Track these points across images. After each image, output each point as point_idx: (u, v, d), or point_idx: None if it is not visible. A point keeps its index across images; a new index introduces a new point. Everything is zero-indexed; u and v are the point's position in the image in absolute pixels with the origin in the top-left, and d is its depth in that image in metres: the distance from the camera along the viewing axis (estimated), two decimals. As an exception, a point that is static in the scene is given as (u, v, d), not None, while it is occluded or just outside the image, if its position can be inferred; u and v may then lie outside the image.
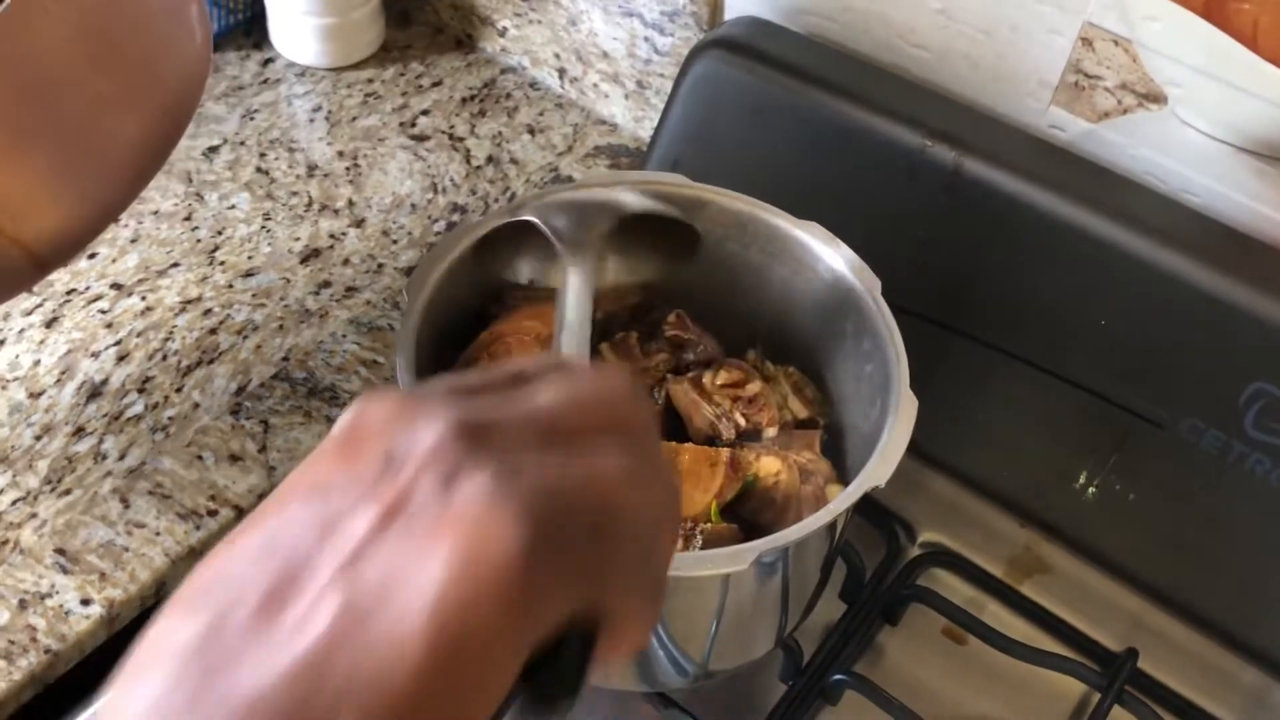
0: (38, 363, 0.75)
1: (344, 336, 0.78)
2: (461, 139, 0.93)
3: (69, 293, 0.80)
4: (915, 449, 0.77)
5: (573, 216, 0.58)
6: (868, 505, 0.75)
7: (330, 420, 0.73)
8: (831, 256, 0.62)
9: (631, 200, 0.61)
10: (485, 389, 0.33)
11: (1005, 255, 0.71)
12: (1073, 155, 0.72)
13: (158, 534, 0.67)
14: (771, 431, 0.62)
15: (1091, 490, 0.73)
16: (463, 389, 0.32)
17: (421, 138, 0.93)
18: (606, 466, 0.31)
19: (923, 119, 0.72)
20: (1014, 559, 0.75)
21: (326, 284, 0.82)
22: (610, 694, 0.66)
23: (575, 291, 0.54)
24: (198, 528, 0.68)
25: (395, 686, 0.26)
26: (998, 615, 0.72)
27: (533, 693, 0.31)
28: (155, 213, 0.85)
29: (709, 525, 0.57)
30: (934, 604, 0.70)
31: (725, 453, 0.59)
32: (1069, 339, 0.70)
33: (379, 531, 0.28)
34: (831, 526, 0.55)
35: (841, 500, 0.52)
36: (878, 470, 0.53)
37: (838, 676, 0.65)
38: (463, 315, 0.62)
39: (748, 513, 0.59)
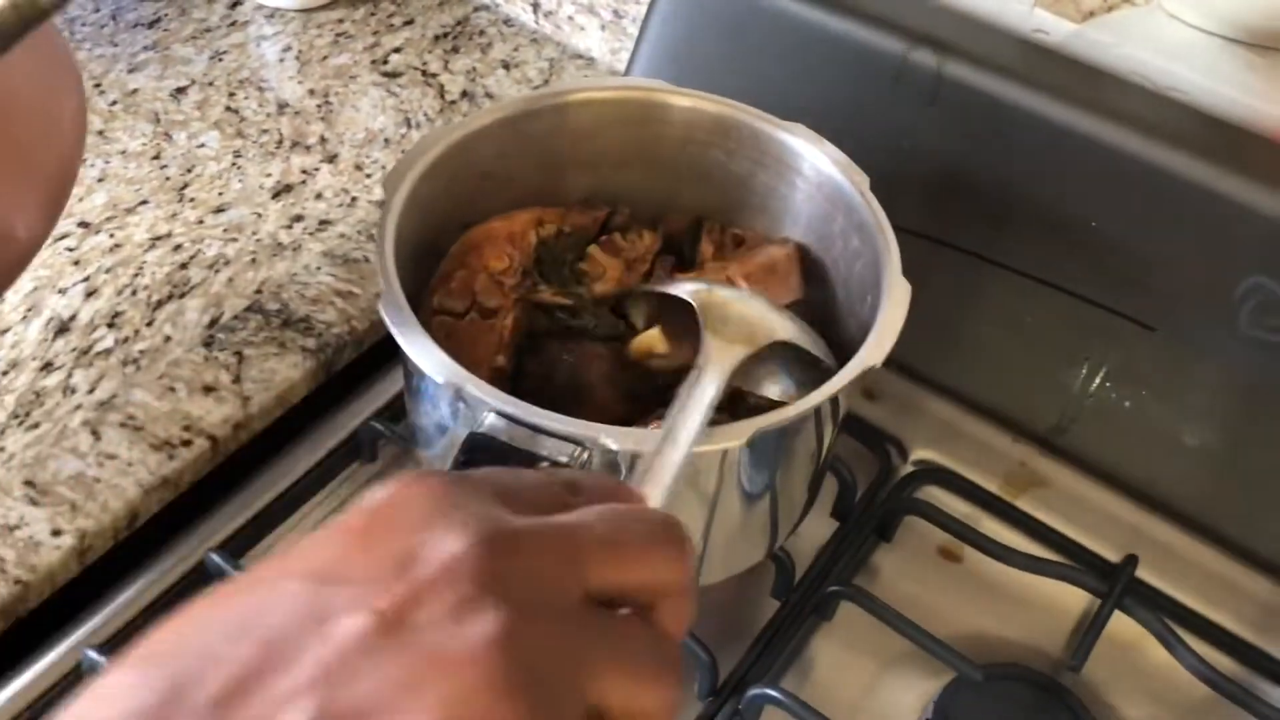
0: (1, 300, 0.73)
1: (318, 269, 0.76)
2: (435, 75, 0.92)
3: (34, 231, 0.77)
4: (905, 369, 0.77)
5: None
6: (858, 426, 0.74)
7: (305, 351, 0.71)
8: (817, 156, 0.61)
9: (788, 329, 0.56)
10: (530, 498, 0.30)
11: (991, 162, 0.70)
12: (1059, 56, 0.71)
13: (130, 465, 0.65)
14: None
15: (1086, 399, 0.71)
16: (507, 491, 0.30)
17: (394, 74, 0.91)
18: (626, 639, 0.29)
19: (904, 24, 0.71)
20: (1009, 474, 0.73)
21: (299, 218, 0.80)
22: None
23: (704, 395, 0.49)
24: (171, 458, 0.66)
25: None
26: (994, 530, 0.70)
27: None
28: (122, 152, 0.83)
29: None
30: (929, 516, 0.69)
31: (785, 253, 0.58)
32: (1059, 245, 0.69)
33: (372, 641, 0.26)
34: (821, 416, 0.54)
35: (838, 379, 0.50)
36: (873, 352, 0.51)
37: (832, 588, 0.64)
38: (443, 221, 0.61)
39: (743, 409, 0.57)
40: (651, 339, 0.59)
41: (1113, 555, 0.68)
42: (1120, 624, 0.65)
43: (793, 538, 0.67)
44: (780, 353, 0.56)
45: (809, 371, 0.55)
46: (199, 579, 0.64)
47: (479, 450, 0.47)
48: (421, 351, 0.50)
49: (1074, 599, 0.67)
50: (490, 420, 0.48)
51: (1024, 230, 0.70)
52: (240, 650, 0.25)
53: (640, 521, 0.31)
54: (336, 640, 0.25)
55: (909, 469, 0.73)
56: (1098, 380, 0.71)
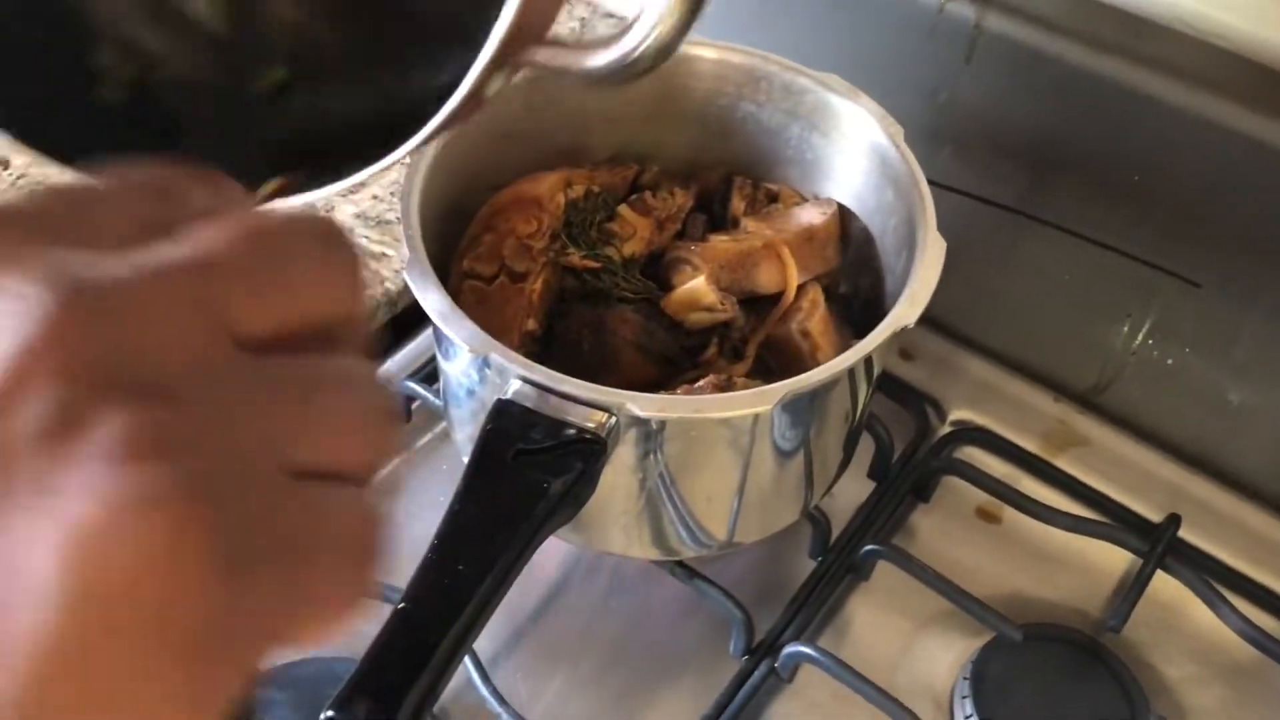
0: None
1: (351, 231, 0.76)
2: (466, 36, 0.91)
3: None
4: (942, 327, 0.76)
5: None
6: (895, 385, 0.73)
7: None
8: (851, 108, 0.60)
9: None
10: (107, 225, 0.21)
11: (1031, 114, 0.68)
12: (1099, 5, 0.69)
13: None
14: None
15: (1129, 357, 0.70)
16: (67, 225, 0.20)
17: None
18: (298, 401, 0.21)
19: (941, -26, 0.69)
20: (1048, 433, 0.72)
21: (331, 181, 0.80)
22: (633, 564, 0.65)
23: None
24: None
25: None
26: (1033, 490, 0.69)
27: None
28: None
29: (741, 379, 0.55)
30: (967, 475, 0.68)
31: (825, 221, 0.57)
32: (1101, 200, 0.68)
33: None
34: (855, 376, 0.53)
35: (870, 340, 0.49)
36: (906, 311, 0.50)
37: (869, 548, 0.63)
38: (470, 183, 0.60)
39: (777, 368, 0.57)
40: (698, 291, 0.57)
41: (1154, 515, 0.67)
42: (1162, 584, 0.64)
43: (829, 498, 0.67)
44: None
45: None
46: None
47: (505, 416, 0.47)
48: (448, 319, 0.49)
49: (1115, 559, 0.66)
50: (516, 387, 0.47)
51: (1064, 185, 0.68)
52: None
53: (285, 227, 0.22)
54: None
55: (947, 429, 0.72)
56: (1140, 337, 0.69)
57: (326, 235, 0.22)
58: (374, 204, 0.78)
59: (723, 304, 0.57)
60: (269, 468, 0.20)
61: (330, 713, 0.39)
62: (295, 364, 0.21)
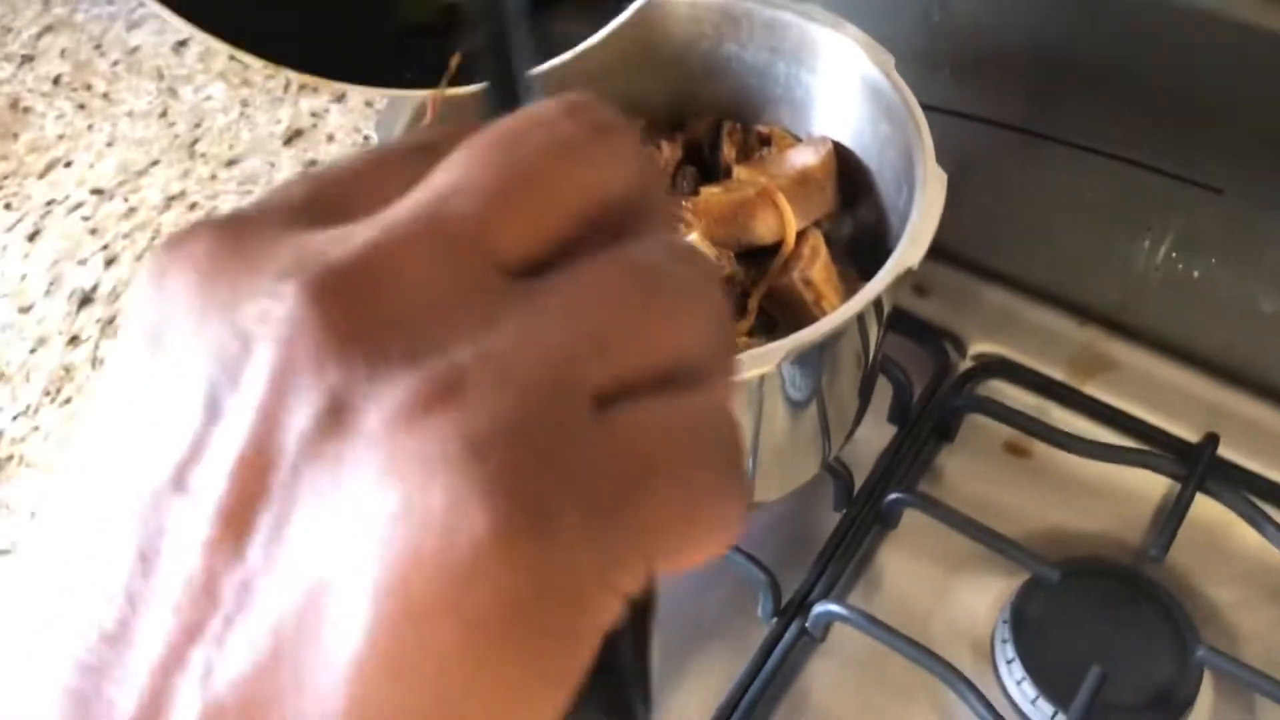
0: (24, 277, 0.72)
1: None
2: (439, -1, 0.88)
3: (49, 203, 0.76)
4: (954, 259, 0.73)
5: None
6: (910, 323, 0.70)
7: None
8: (836, 39, 0.57)
9: None
10: (353, 190, 0.19)
11: (1030, 26, 0.65)
12: (1096, -98, 0.65)
13: (166, 433, 0.64)
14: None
15: (1152, 273, 0.67)
16: (310, 201, 0.18)
17: None
18: (593, 304, 0.17)
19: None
20: (1074, 360, 0.69)
21: (314, 162, 0.78)
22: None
23: None
24: (206, 422, 0.64)
25: None
26: (1063, 420, 0.67)
27: None
28: (129, 113, 0.81)
29: (743, 339, 0.53)
30: (992, 412, 0.65)
31: (819, 160, 0.56)
32: (1110, 110, 0.64)
33: (226, 556, 0.16)
34: (864, 321, 0.51)
35: (873, 286, 0.47)
36: (909, 252, 0.47)
37: (893, 496, 0.61)
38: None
39: (781, 320, 0.54)
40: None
41: (1191, 435, 0.65)
42: (1204, 507, 0.62)
43: (850, 447, 0.65)
44: None
45: None
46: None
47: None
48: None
49: (1153, 485, 0.64)
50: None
51: (1071, 98, 0.65)
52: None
53: (520, 129, 0.18)
54: (178, 580, 0.16)
55: (968, 364, 0.70)
56: (1163, 251, 0.66)
57: (580, 114, 0.18)
58: (358, 183, 0.76)
59: (718, 260, 0.54)
60: (574, 399, 0.17)
61: None
62: (585, 268, 0.18)
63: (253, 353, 0.16)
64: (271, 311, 0.16)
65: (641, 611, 0.19)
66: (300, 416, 0.16)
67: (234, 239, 0.17)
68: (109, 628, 0.16)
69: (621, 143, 0.19)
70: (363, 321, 0.16)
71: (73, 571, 0.17)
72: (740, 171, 0.59)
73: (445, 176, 0.18)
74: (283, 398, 0.16)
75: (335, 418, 0.16)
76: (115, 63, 0.85)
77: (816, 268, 0.54)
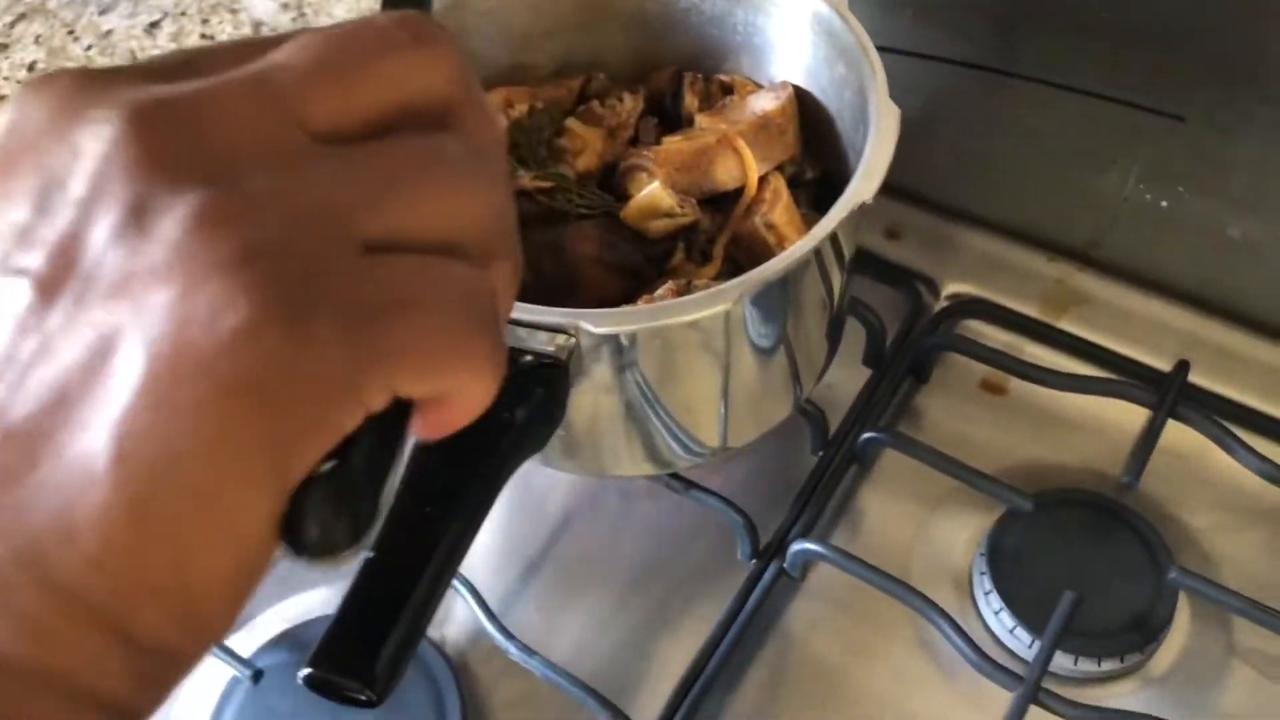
0: None
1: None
2: (407, -32, 0.88)
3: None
4: (924, 201, 0.73)
5: None
6: (882, 267, 0.71)
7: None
8: (791, -18, 0.57)
9: None
10: (203, 65, 0.22)
11: (990, -36, 0.65)
12: None
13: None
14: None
15: (1121, 206, 0.67)
16: (164, 69, 0.22)
17: (366, -26, 0.88)
18: (384, 175, 0.21)
19: None
20: (1047, 295, 0.70)
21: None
22: (635, 486, 0.64)
23: None
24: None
25: (85, 541, 0.19)
26: (1037, 355, 0.67)
27: (303, 525, 0.22)
28: (104, 97, 0.82)
29: (704, 281, 0.53)
30: (966, 349, 0.66)
31: (779, 105, 0.56)
32: (1069, 44, 0.64)
33: (37, 319, 0.19)
34: (823, 260, 0.51)
35: (826, 222, 0.47)
36: (863, 186, 0.48)
37: (868, 435, 0.62)
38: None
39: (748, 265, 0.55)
40: (654, 196, 0.55)
41: (1164, 364, 0.65)
42: (1177, 434, 0.62)
43: (827, 391, 0.65)
44: None
45: None
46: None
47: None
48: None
49: (1129, 416, 0.64)
50: (470, 318, 0.46)
51: (1030, 34, 0.65)
52: None
53: (361, 29, 0.22)
54: None
55: (941, 304, 0.70)
56: (1130, 183, 0.66)
57: (407, 24, 0.22)
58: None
59: (681, 207, 0.54)
60: (343, 237, 0.20)
61: (307, 670, 0.38)
62: (380, 144, 0.22)
63: (80, 162, 0.20)
64: (101, 131, 0.20)
65: (389, 433, 0.23)
66: (109, 214, 0.19)
67: (88, 81, 0.21)
68: None
69: (440, 50, 0.23)
70: (172, 146, 0.20)
71: None
72: (702, 120, 0.59)
73: (278, 55, 0.22)
74: (97, 199, 0.20)
75: (137, 219, 0.19)
76: (89, 47, 0.86)
77: (778, 211, 0.55)
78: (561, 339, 0.46)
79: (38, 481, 0.19)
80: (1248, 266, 0.64)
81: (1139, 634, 0.56)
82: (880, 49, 0.54)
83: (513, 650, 0.56)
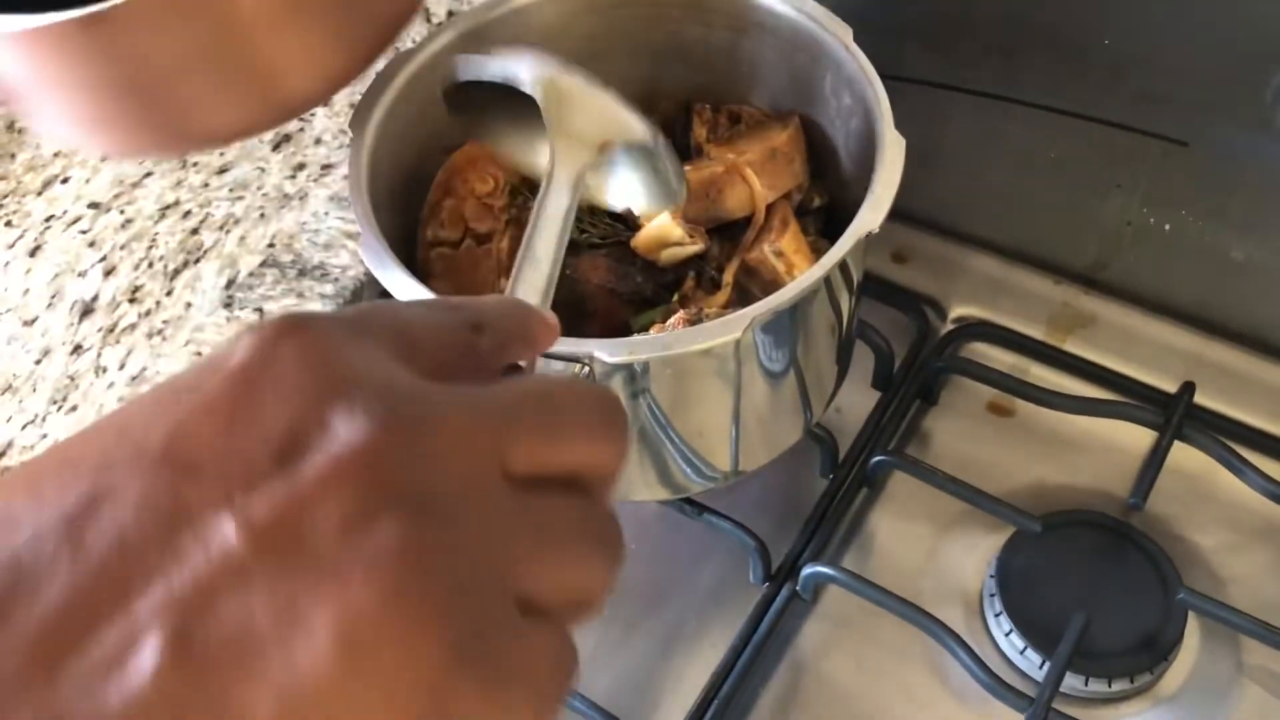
0: (26, 291, 0.74)
1: (326, 214, 0.76)
2: (418, -1, 0.89)
3: (48, 219, 0.78)
4: (931, 225, 0.74)
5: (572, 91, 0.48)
6: (890, 291, 0.71)
7: (323, 298, 0.71)
8: (794, 15, 0.58)
9: (642, 129, 0.49)
10: (434, 346, 0.25)
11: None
12: None
13: (169, 435, 0.66)
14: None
15: (1125, 229, 0.68)
16: (405, 339, 0.25)
17: None
18: (558, 543, 0.24)
19: None
20: (1053, 318, 0.71)
21: (301, 166, 0.79)
22: (647, 511, 0.64)
23: (556, 206, 0.43)
24: (208, 422, 0.66)
25: None
26: (1043, 378, 0.68)
27: None
28: (121, 128, 0.83)
29: (715, 309, 0.54)
30: (974, 373, 0.67)
31: (786, 135, 0.58)
32: (1073, 70, 0.65)
33: (241, 559, 0.20)
34: (833, 287, 0.52)
35: (834, 252, 0.48)
36: (869, 216, 0.49)
37: (878, 458, 0.63)
38: (423, 149, 0.59)
39: (758, 292, 0.56)
40: (664, 227, 0.56)
41: (1169, 386, 0.66)
42: (1183, 455, 0.63)
43: (836, 415, 0.66)
44: (634, 159, 0.50)
45: (662, 184, 0.51)
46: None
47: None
48: (405, 291, 0.49)
49: (1135, 438, 0.65)
50: (483, 349, 0.47)
51: (1034, 60, 0.66)
52: (67, 566, 0.19)
53: (574, 394, 0.26)
54: (196, 557, 0.20)
55: (949, 328, 0.71)
56: (1134, 207, 0.67)
57: (604, 404, 0.26)
58: (345, 184, 0.77)
59: (691, 236, 0.55)
60: (503, 590, 0.23)
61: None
62: (546, 500, 0.24)
63: (328, 442, 0.21)
64: (355, 422, 0.21)
65: None
66: (338, 508, 0.21)
67: (349, 337, 0.23)
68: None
69: (623, 437, 0.27)
70: (405, 469, 0.22)
71: None
72: (710, 150, 0.60)
73: (512, 396, 0.25)
74: (332, 487, 0.21)
75: (360, 523, 0.21)
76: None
77: (787, 239, 0.56)
78: (575, 368, 0.47)
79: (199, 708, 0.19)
80: (1251, 288, 0.65)
81: (1148, 654, 0.56)
82: (886, 77, 0.55)
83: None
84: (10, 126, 0.84)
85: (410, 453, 0.22)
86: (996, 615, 0.59)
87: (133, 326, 0.72)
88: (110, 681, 0.19)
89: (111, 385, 0.69)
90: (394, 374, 0.23)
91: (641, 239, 0.57)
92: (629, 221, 0.58)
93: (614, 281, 0.55)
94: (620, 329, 0.55)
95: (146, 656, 0.19)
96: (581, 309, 0.55)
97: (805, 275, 0.48)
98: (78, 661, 0.19)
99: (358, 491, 0.21)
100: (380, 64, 0.77)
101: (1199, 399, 0.64)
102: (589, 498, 0.26)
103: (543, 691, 0.23)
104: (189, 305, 0.72)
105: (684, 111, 0.63)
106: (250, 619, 0.19)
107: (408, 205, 0.59)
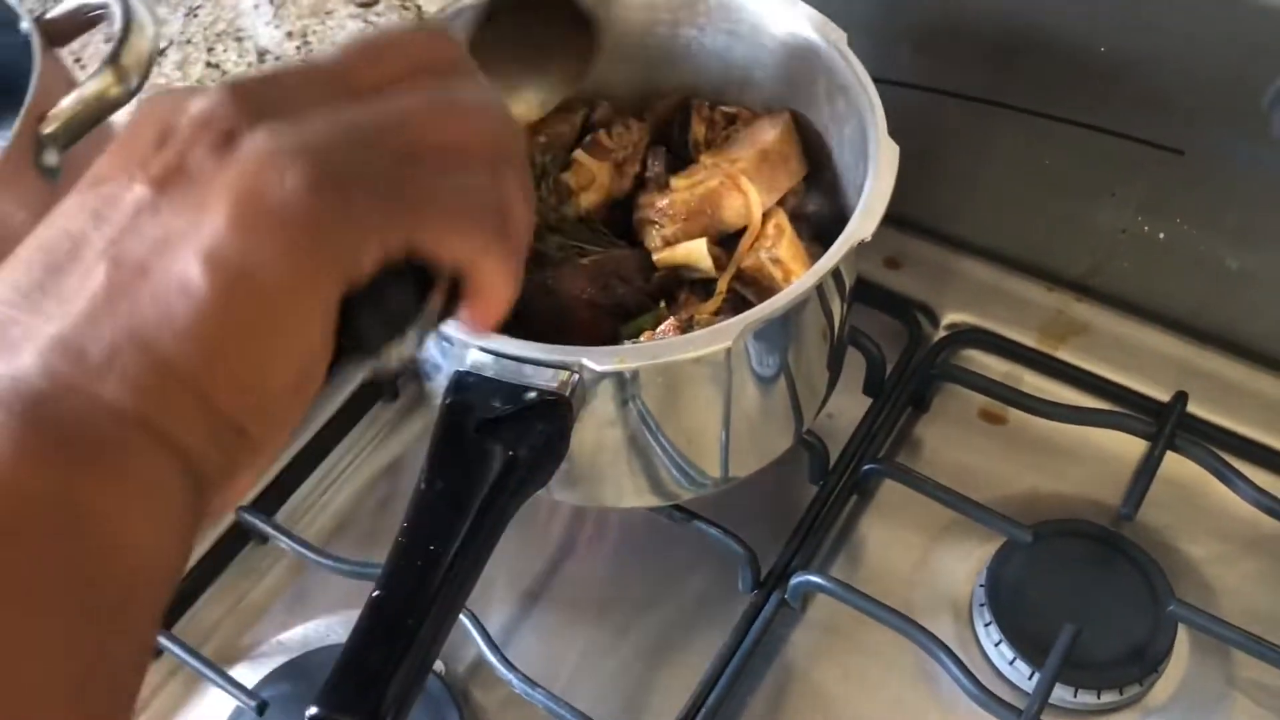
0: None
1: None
2: (411, -2, 0.89)
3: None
4: (924, 231, 0.74)
5: None
6: (882, 296, 0.71)
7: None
8: (791, 18, 0.57)
9: None
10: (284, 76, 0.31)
11: (987, -2, 0.65)
12: None
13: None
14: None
15: (1119, 237, 0.68)
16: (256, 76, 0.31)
17: (369, 3, 0.89)
18: (406, 104, 0.30)
19: None
20: (1045, 325, 0.70)
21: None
22: (636, 517, 0.64)
23: None
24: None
25: (181, 324, 0.26)
26: (1036, 386, 0.68)
27: (352, 334, 0.29)
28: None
29: (705, 316, 0.54)
30: (966, 381, 0.66)
31: (777, 134, 0.58)
32: (1068, 76, 0.64)
33: (151, 203, 0.27)
34: (825, 294, 0.52)
35: (826, 260, 0.47)
36: (862, 224, 0.48)
37: (869, 466, 0.62)
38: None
39: (755, 298, 0.55)
40: (697, 255, 0.56)
41: (1162, 395, 0.65)
42: (1175, 465, 0.63)
43: (827, 421, 0.66)
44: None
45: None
46: (237, 540, 0.64)
47: (465, 387, 0.46)
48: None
49: (1128, 446, 0.65)
50: (473, 357, 0.46)
51: (1029, 67, 0.65)
52: (35, 265, 0.27)
53: (388, 28, 0.33)
54: (117, 217, 0.27)
55: (941, 334, 0.70)
56: (1128, 214, 0.67)
57: (419, 24, 0.36)
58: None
59: (715, 269, 0.56)
60: (378, 145, 0.29)
61: (314, 709, 0.39)
62: (405, 90, 0.30)
63: (189, 115, 0.28)
64: (207, 95, 0.29)
65: (414, 288, 0.30)
66: (207, 139, 0.28)
67: (196, 87, 0.31)
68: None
69: (444, 35, 0.33)
70: (256, 101, 0.28)
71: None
72: (705, 159, 0.60)
73: (335, 51, 0.31)
74: (199, 134, 0.28)
75: (227, 140, 0.28)
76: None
77: (783, 245, 0.55)
78: (564, 375, 0.46)
79: (148, 288, 0.26)
80: (1245, 298, 0.65)
81: (1138, 666, 0.56)
82: (880, 81, 0.55)
83: (515, 682, 0.56)
84: None
85: (257, 96, 0.28)
86: (986, 625, 0.58)
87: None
88: (78, 298, 0.27)
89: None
90: (235, 80, 0.29)
91: (666, 256, 0.57)
92: (625, 231, 0.58)
93: (596, 293, 0.55)
94: (604, 340, 0.54)
95: (95, 276, 0.27)
96: (564, 321, 0.55)
97: (797, 283, 0.47)
98: (54, 294, 0.27)
99: (219, 126, 0.28)
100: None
101: (1192, 408, 0.64)
102: (439, 78, 0.31)
103: (453, 199, 0.30)
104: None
105: (682, 110, 0.62)
106: (167, 228, 0.27)
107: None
